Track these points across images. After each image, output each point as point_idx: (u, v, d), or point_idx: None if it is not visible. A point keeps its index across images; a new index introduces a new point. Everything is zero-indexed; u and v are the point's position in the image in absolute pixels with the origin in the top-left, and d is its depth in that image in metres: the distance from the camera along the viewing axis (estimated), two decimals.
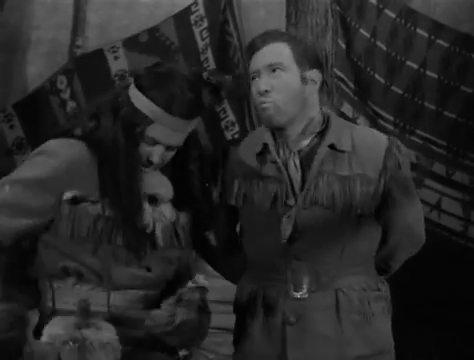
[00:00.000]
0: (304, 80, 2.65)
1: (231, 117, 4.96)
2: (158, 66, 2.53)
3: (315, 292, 2.64)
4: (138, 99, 2.47)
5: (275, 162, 2.65)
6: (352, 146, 2.67)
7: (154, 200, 2.53)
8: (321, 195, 2.63)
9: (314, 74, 2.66)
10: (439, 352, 4.57)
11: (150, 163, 2.50)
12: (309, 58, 2.67)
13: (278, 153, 2.68)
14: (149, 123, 2.46)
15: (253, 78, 2.66)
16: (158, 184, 2.55)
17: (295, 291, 2.65)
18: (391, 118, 4.72)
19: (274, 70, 2.63)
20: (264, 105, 2.63)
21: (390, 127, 4.70)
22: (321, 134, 2.68)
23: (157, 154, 2.49)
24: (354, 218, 2.66)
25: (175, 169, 2.60)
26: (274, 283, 2.67)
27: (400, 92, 4.73)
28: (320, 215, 2.64)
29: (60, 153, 2.46)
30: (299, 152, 2.67)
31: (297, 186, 2.64)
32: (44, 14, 5.08)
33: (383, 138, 2.73)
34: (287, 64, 2.64)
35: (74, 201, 2.44)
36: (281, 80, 2.63)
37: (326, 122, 2.70)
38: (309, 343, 2.64)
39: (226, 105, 4.94)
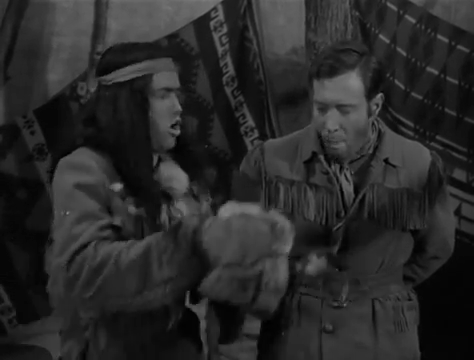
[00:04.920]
0: (370, 110, 2.59)
1: (250, 122, 4.95)
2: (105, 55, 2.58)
3: (353, 301, 2.65)
4: (124, 73, 2.47)
5: (326, 173, 2.64)
6: (402, 161, 2.67)
7: (167, 197, 2.52)
8: (372, 208, 2.62)
9: (378, 99, 2.60)
10: (463, 359, 4.55)
11: (177, 113, 2.51)
12: (376, 81, 2.56)
13: (329, 163, 2.65)
14: (149, 80, 2.46)
15: (318, 109, 2.56)
16: (172, 177, 2.54)
17: (333, 300, 2.65)
18: (411, 124, 4.70)
19: (344, 111, 2.53)
20: (333, 145, 2.58)
21: (410, 133, 4.68)
22: (374, 147, 2.68)
23: (176, 100, 2.52)
24: (399, 231, 2.67)
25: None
26: (311, 290, 2.68)
27: (420, 98, 4.70)
28: (369, 227, 2.64)
29: (82, 158, 2.42)
30: (350, 164, 2.67)
31: (349, 198, 2.63)
32: (65, 21, 5.10)
33: (427, 153, 2.73)
34: (358, 103, 2.53)
35: (121, 194, 2.41)
36: (351, 120, 2.55)
37: (378, 135, 2.69)
38: (345, 351, 2.66)
39: (246, 110, 4.94)
